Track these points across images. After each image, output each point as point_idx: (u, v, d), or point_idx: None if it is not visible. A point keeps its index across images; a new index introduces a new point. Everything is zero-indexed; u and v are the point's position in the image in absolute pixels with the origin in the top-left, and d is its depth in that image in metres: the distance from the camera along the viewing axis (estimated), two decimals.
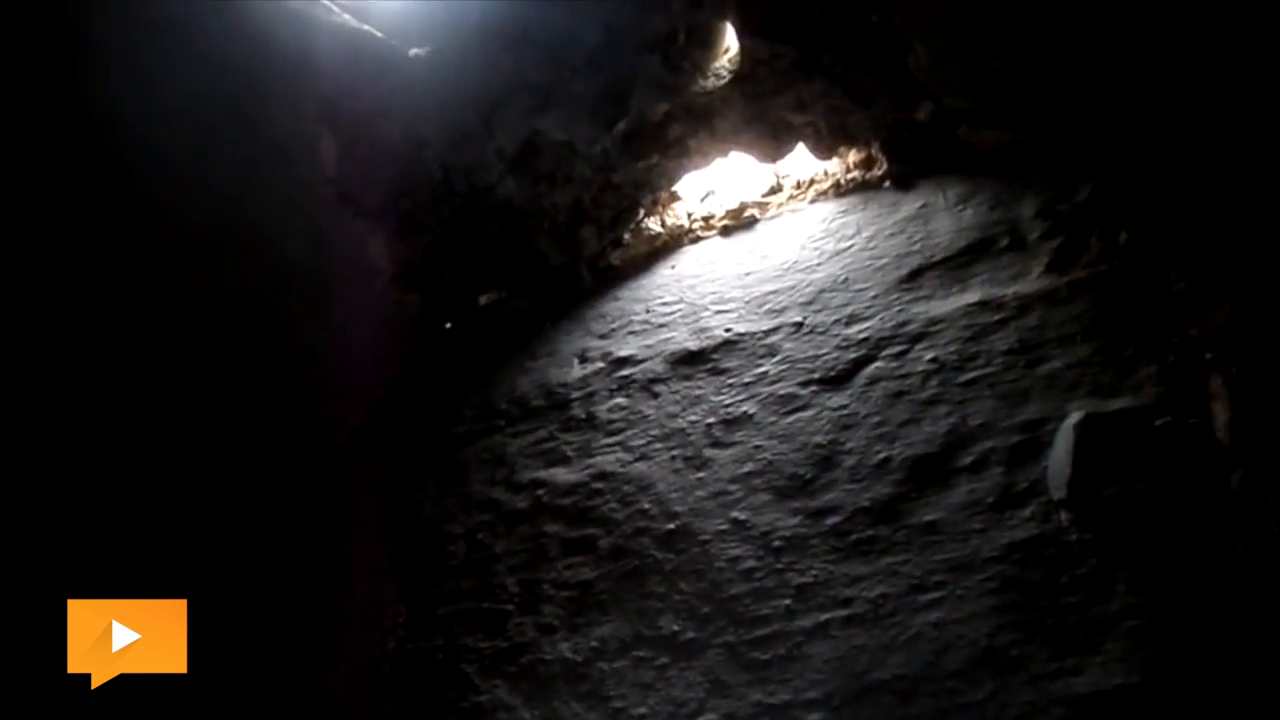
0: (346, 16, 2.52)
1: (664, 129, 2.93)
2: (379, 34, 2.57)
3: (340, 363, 3.17)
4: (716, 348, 2.89)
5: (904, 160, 2.87)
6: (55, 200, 2.59)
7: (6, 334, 2.64)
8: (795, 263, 2.94)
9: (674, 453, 2.76)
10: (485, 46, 2.68)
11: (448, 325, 3.43)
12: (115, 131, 2.58)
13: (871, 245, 2.83)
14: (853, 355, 2.65)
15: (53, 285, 2.68)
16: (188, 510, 3.02)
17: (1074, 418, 2.21)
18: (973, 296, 2.56)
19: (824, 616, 2.28)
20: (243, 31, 2.64)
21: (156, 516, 3.01)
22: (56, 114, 2.51)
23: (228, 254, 2.94)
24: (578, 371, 3.12)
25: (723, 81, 2.80)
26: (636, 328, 3.11)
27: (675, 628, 2.45)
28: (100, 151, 2.59)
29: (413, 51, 2.59)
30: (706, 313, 3.00)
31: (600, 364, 3.09)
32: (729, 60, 2.82)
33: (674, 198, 3.26)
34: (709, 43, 2.78)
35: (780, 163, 3.07)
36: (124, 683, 2.39)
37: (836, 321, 2.74)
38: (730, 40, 2.80)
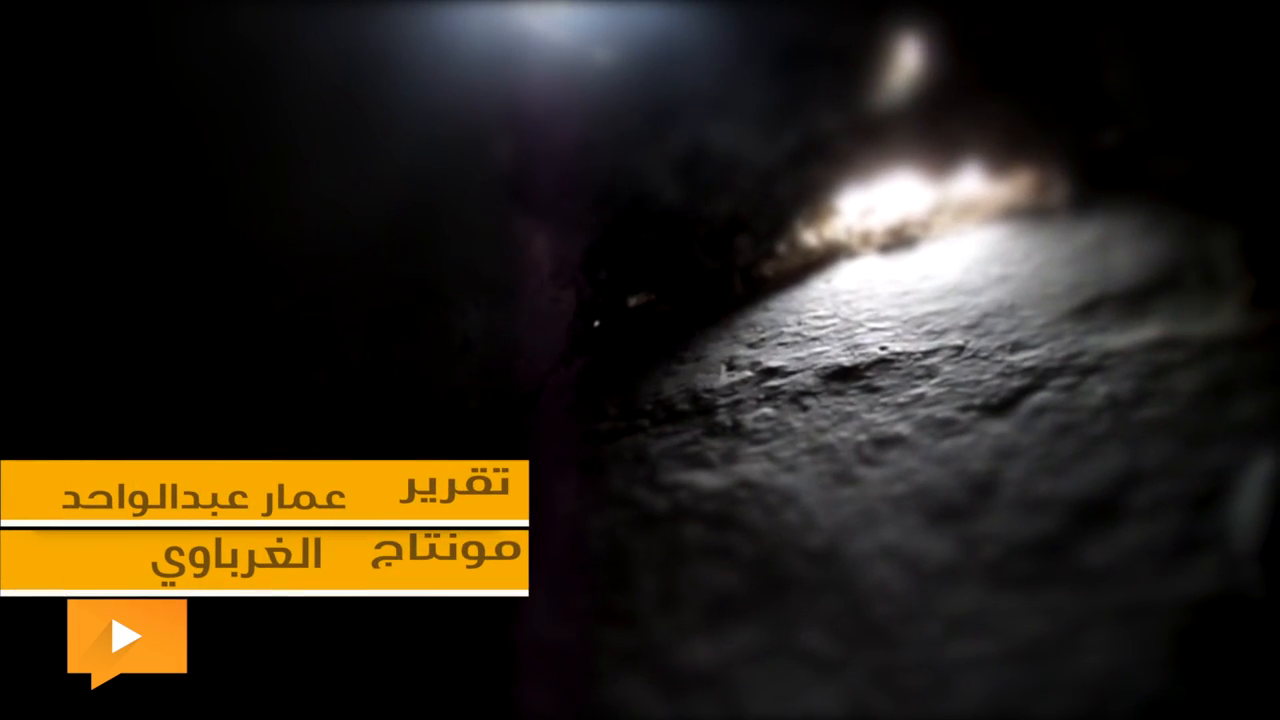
0: (536, 18, 2.60)
1: (834, 142, 2.91)
2: (566, 37, 2.64)
3: (496, 357, 3.27)
4: (870, 365, 2.86)
5: (1084, 185, 2.77)
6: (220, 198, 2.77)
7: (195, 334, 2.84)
8: (958, 285, 2.88)
9: (822, 468, 2.74)
10: (664, 55, 2.72)
11: (596, 324, 3.50)
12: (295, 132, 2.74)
13: (1043, 271, 2.74)
14: (1017, 384, 2.57)
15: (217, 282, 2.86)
16: None
17: (1271, 467, 2.09)
18: (1155, 331, 2.45)
19: (979, 648, 2.21)
20: (433, 29, 2.76)
21: None
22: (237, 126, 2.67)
23: (396, 247, 3.07)
24: (725, 379, 3.13)
25: (899, 97, 2.77)
26: (787, 339, 3.11)
27: (819, 642, 2.42)
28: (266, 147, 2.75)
29: (600, 55, 2.65)
30: (861, 329, 2.97)
31: (748, 373, 3.09)
32: (907, 75, 2.78)
33: (833, 211, 3.24)
34: (889, 57, 2.75)
35: (948, 182, 3.01)
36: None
37: (1001, 348, 2.67)
38: (910, 54, 2.77)
